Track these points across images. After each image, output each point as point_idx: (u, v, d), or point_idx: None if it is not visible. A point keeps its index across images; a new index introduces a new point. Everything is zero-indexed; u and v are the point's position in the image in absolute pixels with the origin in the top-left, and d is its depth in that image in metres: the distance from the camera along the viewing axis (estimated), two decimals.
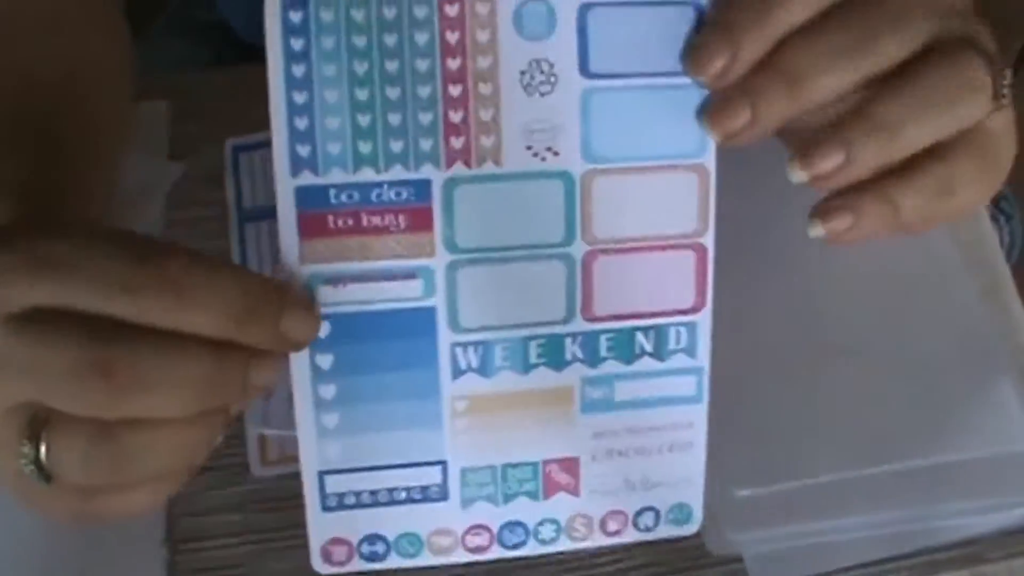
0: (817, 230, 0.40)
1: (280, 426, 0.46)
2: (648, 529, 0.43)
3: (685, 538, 0.48)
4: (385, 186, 0.38)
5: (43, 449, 0.36)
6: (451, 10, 0.37)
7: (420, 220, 0.38)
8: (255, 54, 0.77)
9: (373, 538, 0.41)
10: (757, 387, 0.51)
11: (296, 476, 0.44)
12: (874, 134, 0.37)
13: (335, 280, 0.38)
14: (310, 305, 0.38)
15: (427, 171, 0.38)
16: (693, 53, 0.37)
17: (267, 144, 0.57)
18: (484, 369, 0.40)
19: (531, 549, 0.42)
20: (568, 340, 0.40)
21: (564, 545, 0.42)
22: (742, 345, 0.53)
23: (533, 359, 0.40)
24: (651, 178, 0.39)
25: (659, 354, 0.41)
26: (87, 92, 0.51)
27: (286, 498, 0.48)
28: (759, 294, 0.54)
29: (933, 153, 0.39)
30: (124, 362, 0.35)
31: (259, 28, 0.80)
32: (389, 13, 0.36)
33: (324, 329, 0.39)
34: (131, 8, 0.59)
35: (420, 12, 0.36)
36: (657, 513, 0.43)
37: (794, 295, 0.54)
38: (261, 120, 0.57)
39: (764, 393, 0.51)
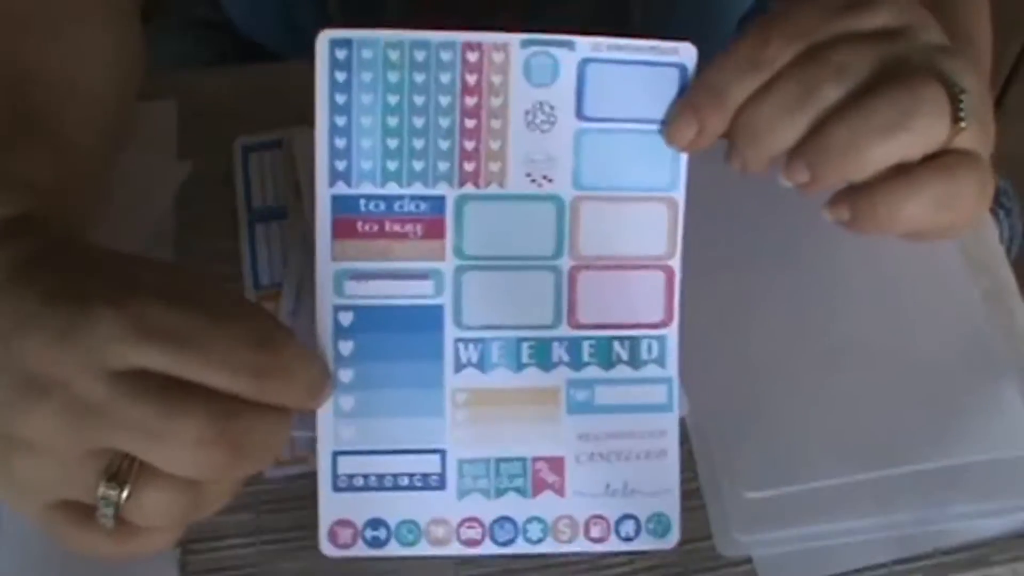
0: (825, 215, 0.45)
1: (293, 427, 0.46)
2: (629, 538, 0.46)
3: (695, 540, 0.49)
4: (407, 199, 0.44)
5: (125, 494, 0.38)
6: (472, 56, 0.43)
7: (434, 229, 0.44)
8: (257, 52, 0.77)
9: (376, 523, 0.45)
10: (765, 391, 0.52)
11: (307, 476, 0.44)
12: (827, 155, 0.42)
13: (360, 276, 0.44)
14: (331, 376, 0.44)
15: (442, 188, 0.44)
16: (669, 128, 0.44)
17: (276, 144, 0.58)
18: (482, 364, 0.45)
19: (520, 547, 0.45)
20: (555, 343, 0.45)
21: (550, 546, 0.45)
22: (749, 348, 0.53)
23: (525, 359, 0.45)
24: (629, 206, 0.45)
25: (633, 363, 0.46)
26: (92, 89, 0.51)
27: (297, 499, 0.48)
28: (764, 297, 0.54)
29: (925, 169, 0.43)
30: (243, 435, 0.38)
31: (259, 24, 0.80)
32: (419, 56, 0.43)
33: (347, 319, 0.44)
34: None
35: (445, 56, 0.43)
36: (637, 522, 0.46)
37: (801, 299, 0.54)
38: (268, 119, 0.57)
39: (772, 397, 0.51)
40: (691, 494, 0.50)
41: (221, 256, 0.55)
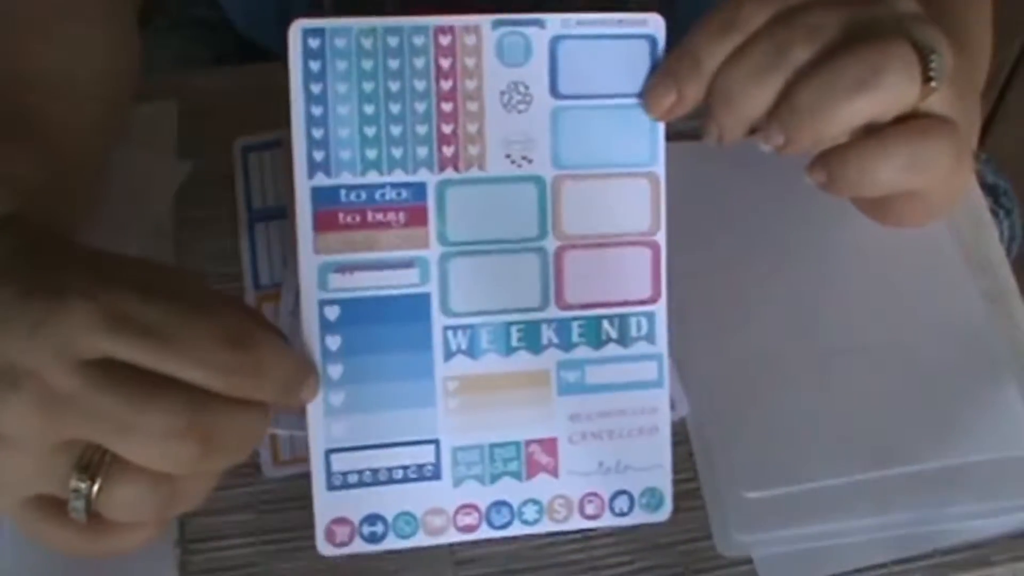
0: (807, 180, 0.45)
1: (290, 427, 0.46)
2: (623, 513, 0.46)
3: (695, 540, 0.49)
4: (388, 187, 0.43)
5: (96, 487, 0.38)
6: (444, 40, 0.43)
7: (417, 216, 0.44)
8: (255, 52, 0.77)
9: (373, 518, 0.44)
10: (765, 391, 0.52)
11: (307, 476, 0.44)
12: (798, 115, 0.42)
13: (344, 268, 0.43)
14: (318, 373, 0.43)
15: (423, 175, 0.44)
16: (648, 95, 0.44)
17: (276, 144, 0.58)
18: (472, 351, 0.45)
19: (516, 529, 0.46)
20: (544, 326, 0.45)
21: (546, 526, 0.46)
22: (749, 349, 0.53)
23: (514, 342, 0.45)
24: (610, 183, 0.45)
25: (623, 341, 0.46)
26: (84, 88, 0.51)
27: (297, 499, 0.48)
28: (764, 298, 0.54)
29: (895, 129, 0.44)
30: (212, 428, 0.38)
31: (257, 24, 0.80)
32: (392, 41, 0.43)
33: (333, 313, 0.43)
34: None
35: (418, 41, 0.43)
36: (631, 497, 0.46)
37: (801, 299, 0.54)
38: (268, 119, 0.57)
39: (772, 397, 0.51)
40: (691, 494, 0.50)
41: (221, 256, 0.55)
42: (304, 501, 0.44)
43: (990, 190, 0.77)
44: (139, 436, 0.37)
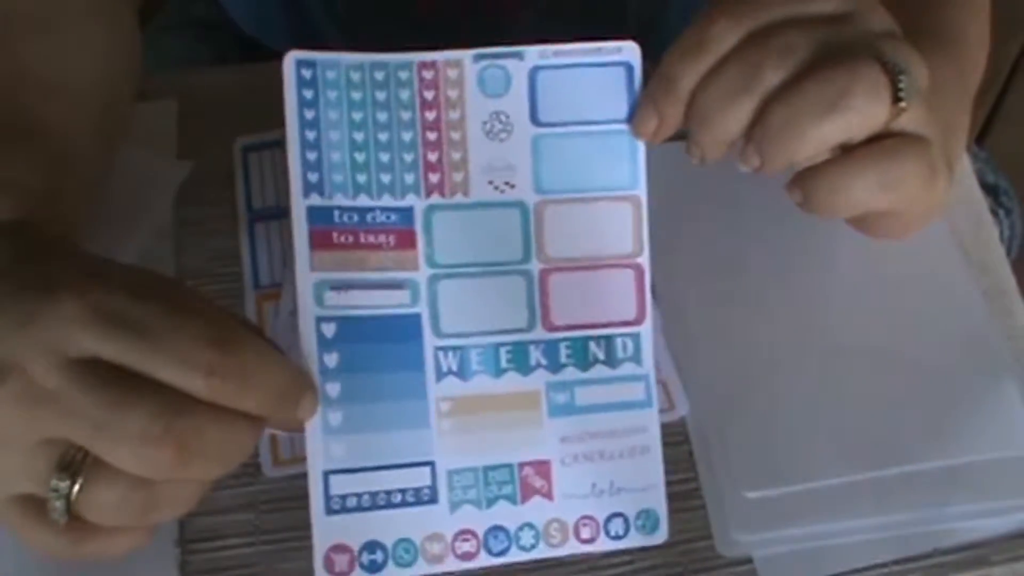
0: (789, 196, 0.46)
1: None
2: (619, 536, 0.46)
3: (695, 540, 0.49)
4: (378, 210, 0.45)
5: (76, 488, 0.38)
6: (427, 74, 0.45)
7: (406, 239, 0.45)
8: (256, 52, 0.77)
9: (372, 545, 0.44)
10: (765, 391, 0.52)
11: (307, 476, 0.44)
12: (770, 138, 0.43)
13: (339, 286, 0.44)
14: (316, 389, 0.43)
15: (411, 199, 0.45)
16: (634, 121, 0.45)
17: (276, 144, 0.58)
18: (462, 372, 0.45)
19: (514, 556, 0.46)
20: (532, 347, 0.46)
21: (543, 552, 0.46)
22: (749, 349, 0.53)
23: (504, 364, 0.45)
24: (592, 207, 0.46)
25: (610, 362, 0.46)
26: (84, 90, 0.51)
27: (297, 498, 0.48)
28: (765, 298, 0.54)
29: (865, 150, 0.44)
30: (190, 435, 0.37)
31: (260, 22, 0.80)
32: (379, 75, 0.44)
33: (330, 330, 0.44)
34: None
35: (403, 74, 0.45)
36: (626, 520, 0.46)
37: (801, 299, 0.54)
38: (268, 119, 0.57)
39: (772, 396, 0.51)
40: (691, 494, 0.50)
41: (221, 256, 0.55)
42: (304, 501, 0.44)
43: (990, 190, 0.77)
44: (114, 437, 0.37)
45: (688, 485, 0.50)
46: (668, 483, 0.46)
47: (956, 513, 0.49)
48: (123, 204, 0.55)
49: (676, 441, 0.51)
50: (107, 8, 0.55)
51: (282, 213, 0.55)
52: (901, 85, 0.43)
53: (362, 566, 0.44)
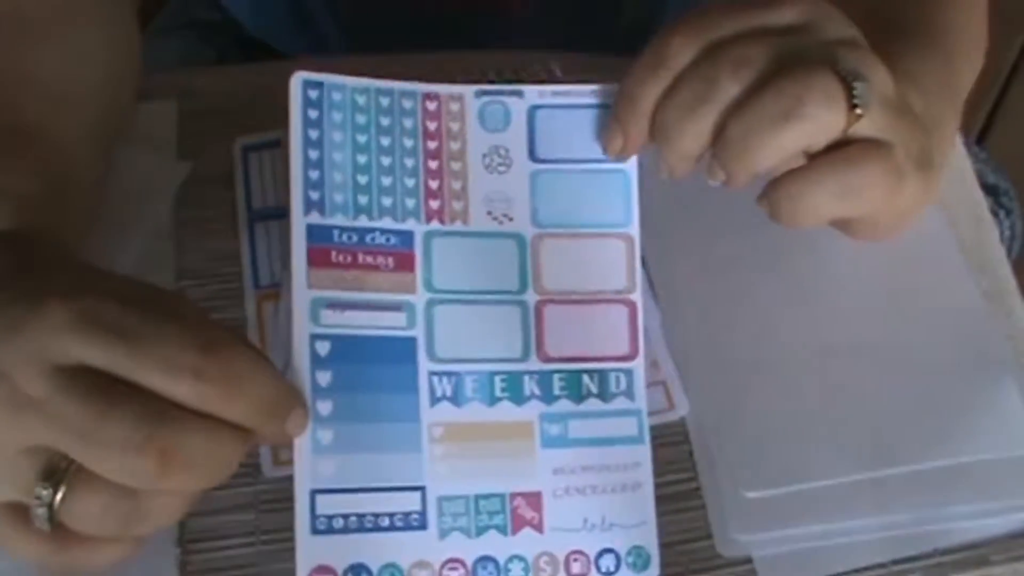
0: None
1: None
2: (610, 572, 0.45)
3: (695, 540, 0.49)
4: (377, 232, 0.45)
5: (59, 496, 0.37)
6: (431, 105, 0.46)
7: (405, 263, 0.45)
8: (256, 53, 0.77)
9: (358, 568, 0.43)
10: (765, 390, 0.52)
11: None
12: (729, 151, 0.43)
13: (336, 305, 0.44)
14: (307, 406, 0.42)
15: (411, 224, 0.46)
16: (601, 140, 0.46)
17: (276, 144, 0.58)
18: (456, 398, 0.45)
19: None
20: (527, 377, 0.46)
21: None
22: (749, 348, 0.53)
23: (498, 392, 0.45)
24: (587, 242, 0.47)
25: (603, 395, 0.46)
26: (84, 93, 0.51)
27: None
28: (764, 298, 0.54)
29: (824, 159, 0.44)
30: (176, 445, 0.37)
31: (264, 20, 0.80)
32: (384, 101, 0.46)
33: (324, 348, 0.43)
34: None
35: (407, 103, 0.46)
36: (617, 556, 0.46)
37: (801, 299, 0.54)
38: (268, 119, 0.58)
39: (772, 396, 0.51)
40: (691, 494, 0.50)
41: (221, 256, 0.55)
42: None
43: (990, 190, 0.77)
44: (96, 446, 0.37)
45: (688, 485, 0.50)
46: (668, 483, 0.46)
47: (956, 513, 0.49)
48: (123, 204, 0.55)
49: (676, 441, 0.51)
50: (107, 12, 0.55)
51: (282, 213, 0.55)
52: (856, 92, 0.43)
53: None
